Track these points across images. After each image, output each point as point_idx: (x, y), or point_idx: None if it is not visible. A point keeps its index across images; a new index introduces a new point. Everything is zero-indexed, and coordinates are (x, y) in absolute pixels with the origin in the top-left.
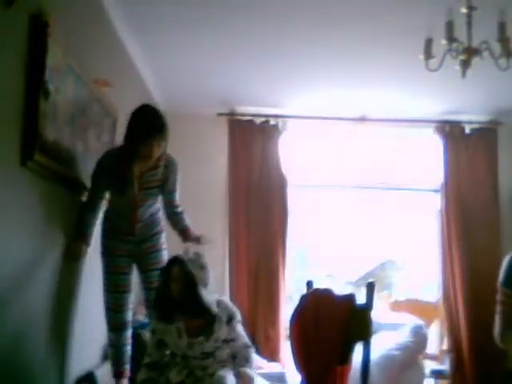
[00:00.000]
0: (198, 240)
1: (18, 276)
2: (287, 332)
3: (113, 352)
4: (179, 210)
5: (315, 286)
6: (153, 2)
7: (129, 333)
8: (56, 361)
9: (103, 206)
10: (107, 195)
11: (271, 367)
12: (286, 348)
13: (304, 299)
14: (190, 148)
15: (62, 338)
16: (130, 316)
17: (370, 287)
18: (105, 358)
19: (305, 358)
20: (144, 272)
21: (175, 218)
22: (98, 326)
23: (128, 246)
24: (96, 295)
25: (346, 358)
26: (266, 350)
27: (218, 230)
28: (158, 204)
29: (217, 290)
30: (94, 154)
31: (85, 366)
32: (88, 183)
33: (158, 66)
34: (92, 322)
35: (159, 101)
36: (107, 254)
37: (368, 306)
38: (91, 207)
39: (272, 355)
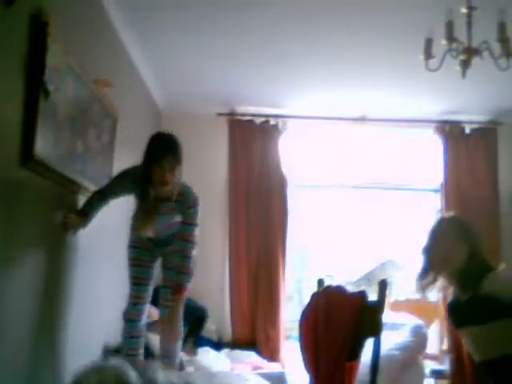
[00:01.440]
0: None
1: (17, 275)
2: (287, 332)
3: (127, 342)
4: (190, 248)
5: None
6: (153, 2)
7: (143, 324)
8: (52, 361)
9: (112, 200)
10: (120, 197)
11: (271, 367)
12: (285, 348)
13: (315, 297)
14: (189, 148)
15: (58, 338)
16: (146, 308)
17: (383, 285)
18: (105, 357)
19: (314, 355)
20: (163, 269)
21: (180, 254)
22: (97, 324)
23: (151, 243)
24: (94, 292)
25: (355, 354)
26: (266, 349)
27: (218, 230)
28: (177, 222)
29: (217, 291)
30: (94, 154)
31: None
32: (88, 183)
33: (159, 66)
34: (91, 320)
35: (159, 101)
36: (132, 245)
37: (380, 302)
38: (101, 195)
39: (272, 355)
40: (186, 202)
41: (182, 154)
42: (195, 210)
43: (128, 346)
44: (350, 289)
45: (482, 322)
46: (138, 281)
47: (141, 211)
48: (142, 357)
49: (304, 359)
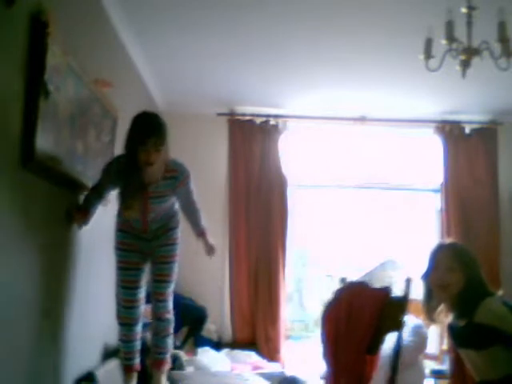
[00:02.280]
0: (209, 250)
1: (17, 276)
2: (287, 332)
3: (123, 346)
4: (195, 207)
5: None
6: (153, 2)
7: (139, 327)
8: (51, 360)
9: (108, 195)
10: (112, 189)
11: (271, 367)
12: (285, 348)
13: (338, 292)
14: (189, 148)
15: (57, 337)
16: (141, 311)
17: (408, 282)
18: (105, 357)
19: (334, 346)
20: (153, 264)
21: (191, 216)
22: (97, 324)
23: (140, 241)
24: (94, 293)
25: (375, 347)
26: (265, 349)
27: (218, 230)
28: (171, 203)
29: (217, 291)
30: (94, 154)
31: (84, 365)
32: (88, 183)
33: (158, 66)
34: (92, 320)
35: (159, 101)
36: (120, 248)
37: (405, 299)
38: (96, 192)
39: (272, 355)
40: (181, 177)
41: (166, 133)
42: (191, 184)
43: (125, 349)
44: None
45: (477, 348)
46: (126, 284)
47: (124, 193)
48: (138, 360)
49: (324, 351)
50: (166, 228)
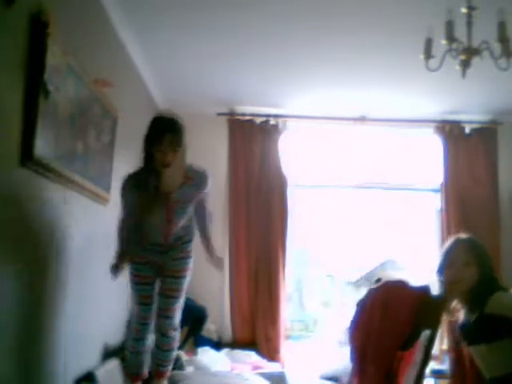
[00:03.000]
0: (217, 262)
1: (15, 275)
2: (287, 332)
3: (130, 357)
4: (208, 210)
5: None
6: (153, 2)
7: (149, 341)
8: (51, 361)
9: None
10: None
11: (271, 367)
12: (285, 348)
13: (373, 291)
14: (189, 148)
15: (57, 337)
16: (152, 326)
17: (443, 282)
18: (105, 357)
19: (363, 343)
20: (163, 277)
21: (201, 218)
22: (97, 324)
23: (154, 254)
24: (94, 292)
25: (410, 343)
26: (265, 349)
27: (217, 230)
28: (191, 212)
29: (217, 291)
30: (94, 154)
31: (84, 365)
32: (88, 184)
33: (158, 66)
34: (92, 320)
35: (159, 101)
36: (135, 261)
37: (442, 297)
38: (133, 226)
39: (272, 355)
40: (201, 183)
41: (183, 133)
42: (207, 189)
43: (134, 361)
44: (350, 289)
45: (488, 341)
46: (145, 300)
47: (143, 199)
48: (146, 370)
49: (351, 348)
50: (182, 241)
